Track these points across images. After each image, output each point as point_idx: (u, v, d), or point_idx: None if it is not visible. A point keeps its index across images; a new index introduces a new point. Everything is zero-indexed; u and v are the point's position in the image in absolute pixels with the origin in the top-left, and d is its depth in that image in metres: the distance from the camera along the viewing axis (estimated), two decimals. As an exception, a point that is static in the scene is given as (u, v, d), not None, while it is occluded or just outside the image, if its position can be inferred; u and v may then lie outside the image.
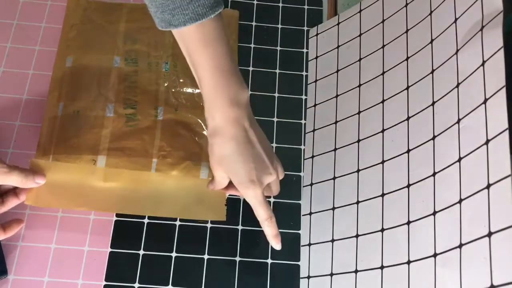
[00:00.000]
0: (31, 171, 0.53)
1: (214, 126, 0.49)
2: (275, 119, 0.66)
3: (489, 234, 0.38)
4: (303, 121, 0.66)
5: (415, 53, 0.54)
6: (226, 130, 0.49)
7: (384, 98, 0.57)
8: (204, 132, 0.62)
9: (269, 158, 0.51)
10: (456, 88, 0.47)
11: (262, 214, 0.52)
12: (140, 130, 0.60)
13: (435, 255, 0.44)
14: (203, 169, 0.60)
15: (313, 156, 0.63)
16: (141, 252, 0.58)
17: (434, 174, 0.47)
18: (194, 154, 0.60)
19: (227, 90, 0.48)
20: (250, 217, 0.60)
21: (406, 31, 0.57)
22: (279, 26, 0.72)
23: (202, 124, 0.62)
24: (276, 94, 0.68)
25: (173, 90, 0.64)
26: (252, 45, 0.70)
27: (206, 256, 0.58)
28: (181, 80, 0.64)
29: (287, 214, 0.61)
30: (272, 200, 0.61)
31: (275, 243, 0.54)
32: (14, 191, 0.53)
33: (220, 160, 0.50)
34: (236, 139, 0.49)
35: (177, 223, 0.59)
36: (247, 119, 0.49)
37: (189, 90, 0.64)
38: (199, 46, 0.47)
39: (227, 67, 0.48)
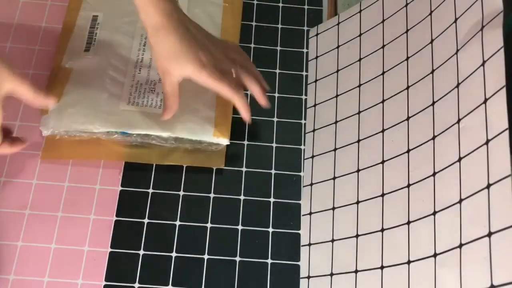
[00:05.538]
0: (43, 91, 0.55)
1: (154, 25, 0.51)
2: (275, 119, 0.66)
3: (489, 234, 0.38)
4: (303, 121, 0.66)
5: (415, 53, 0.54)
6: (166, 23, 0.51)
7: (384, 98, 0.57)
8: None
9: (212, 43, 0.54)
10: (456, 88, 0.47)
11: (227, 89, 0.54)
12: None
13: (435, 255, 0.44)
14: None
15: (313, 156, 0.63)
16: (141, 252, 0.57)
17: (434, 174, 0.47)
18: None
19: None
20: (250, 217, 0.60)
21: (406, 31, 0.57)
22: (279, 26, 0.72)
23: None
24: (276, 94, 0.68)
25: None
26: (252, 45, 0.70)
27: (206, 256, 0.58)
28: None
29: (287, 214, 0.61)
30: (272, 200, 0.62)
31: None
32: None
33: (169, 53, 0.52)
34: (177, 28, 0.51)
35: (177, 223, 0.59)
36: (179, 11, 0.53)
37: None
38: None
39: None
